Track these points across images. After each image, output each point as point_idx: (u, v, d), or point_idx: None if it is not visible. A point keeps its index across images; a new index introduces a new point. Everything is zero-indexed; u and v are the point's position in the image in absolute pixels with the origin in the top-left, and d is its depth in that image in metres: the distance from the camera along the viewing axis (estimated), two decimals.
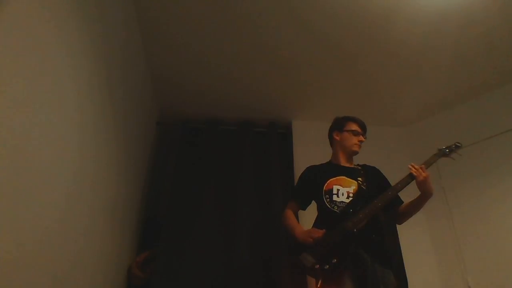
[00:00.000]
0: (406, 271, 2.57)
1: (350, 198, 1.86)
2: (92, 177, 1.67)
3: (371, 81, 2.86)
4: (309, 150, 2.85)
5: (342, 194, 1.88)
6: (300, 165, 2.87)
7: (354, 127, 2.08)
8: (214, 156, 2.94)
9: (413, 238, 2.74)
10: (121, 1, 1.99)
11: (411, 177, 1.78)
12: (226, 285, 2.35)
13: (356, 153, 2.07)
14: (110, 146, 1.92)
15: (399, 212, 1.90)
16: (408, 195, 1.87)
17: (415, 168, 1.78)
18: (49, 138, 1.25)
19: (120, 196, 2.15)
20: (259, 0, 2.19)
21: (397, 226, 2.65)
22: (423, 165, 1.80)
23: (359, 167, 2.05)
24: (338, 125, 2.14)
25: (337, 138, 2.12)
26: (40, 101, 1.18)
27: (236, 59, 2.65)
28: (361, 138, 2.06)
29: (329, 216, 1.85)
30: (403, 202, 1.91)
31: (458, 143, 1.99)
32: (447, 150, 1.96)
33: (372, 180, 1.95)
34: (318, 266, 1.68)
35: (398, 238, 2.70)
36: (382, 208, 1.75)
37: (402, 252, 2.67)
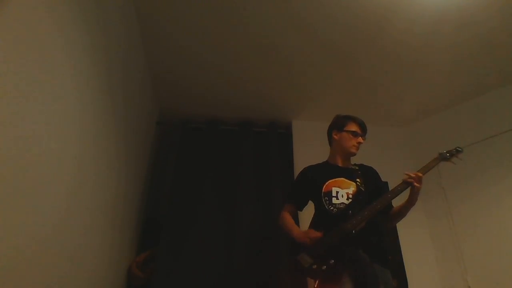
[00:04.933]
0: (406, 271, 2.57)
1: (350, 200, 1.85)
2: (92, 177, 1.67)
3: (371, 81, 2.86)
4: (309, 150, 2.85)
5: (342, 196, 1.87)
6: (300, 165, 2.86)
7: (354, 127, 2.04)
8: (214, 156, 2.94)
9: (413, 238, 2.74)
10: (121, 1, 1.99)
11: (407, 184, 1.77)
12: (226, 285, 2.35)
13: (353, 154, 2.04)
14: (110, 146, 1.92)
15: (389, 217, 1.92)
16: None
17: (412, 176, 1.77)
18: (49, 138, 1.25)
19: (120, 196, 2.15)
20: (259, 0, 2.20)
21: (397, 225, 2.66)
22: (419, 172, 1.79)
23: (357, 167, 2.04)
24: (338, 124, 2.10)
25: (336, 137, 2.09)
26: (40, 101, 1.18)
27: (236, 59, 2.65)
28: (360, 139, 2.02)
29: (327, 218, 1.84)
30: (393, 206, 1.92)
31: (459, 147, 1.98)
32: (447, 155, 1.94)
33: (369, 181, 1.95)
34: (315, 266, 1.68)
35: (397, 238, 2.70)
36: (380, 210, 1.76)
37: (402, 252, 2.67)
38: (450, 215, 2.77)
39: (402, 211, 1.85)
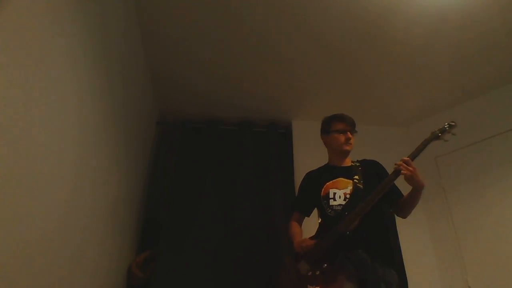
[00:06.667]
0: (406, 271, 2.57)
1: (346, 200, 1.82)
2: (92, 177, 1.67)
3: (371, 81, 2.86)
4: (309, 150, 2.85)
5: (339, 197, 1.84)
6: (300, 165, 2.88)
7: (339, 126, 2.01)
8: (214, 156, 2.94)
9: (413, 238, 2.74)
10: (122, 1, 1.99)
11: (396, 173, 1.70)
12: (225, 285, 2.35)
13: (348, 151, 2.00)
14: (110, 146, 1.92)
15: (400, 206, 1.85)
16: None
17: (398, 163, 1.70)
18: (49, 138, 1.25)
19: (120, 196, 2.15)
20: (259, 1, 2.20)
21: (397, 225, 2.66)
22: (408, 158, 1.71)
23: (357, 164, 1.99)
24: (325, 127, 2.08)
25: (326, 141, 2.07)
26: (40, 101, 1.18)
27: (236, 60, 2.65)
28: (349, 135, 1.98)
29: (326, 222, 1.84)
30: (403, 195, 1.84)
31: (452, 122, 1.86)
32: (439, 133, 1.84)
33: (369, 177, 1.89)
34: (311, 273, 1.68)
35: (398, 238, 2.70)
36: (374, 205, 1.69)
37: (402, 252, 2.67)
38: (450, 216, 2.77)
39: (411, 198, 1.76)
